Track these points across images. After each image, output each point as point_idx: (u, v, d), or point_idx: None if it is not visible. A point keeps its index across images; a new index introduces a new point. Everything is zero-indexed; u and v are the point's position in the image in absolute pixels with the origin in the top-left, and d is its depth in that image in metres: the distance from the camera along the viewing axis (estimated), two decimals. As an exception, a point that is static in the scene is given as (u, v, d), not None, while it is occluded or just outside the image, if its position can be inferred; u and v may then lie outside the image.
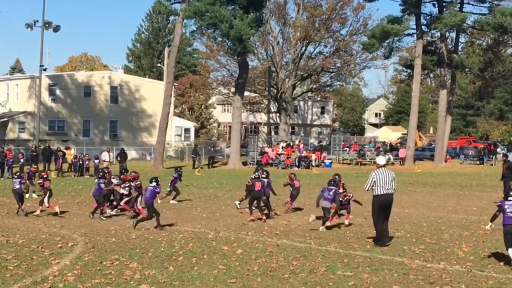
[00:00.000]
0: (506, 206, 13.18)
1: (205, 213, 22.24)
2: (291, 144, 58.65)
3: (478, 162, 59.92)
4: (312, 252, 14.16)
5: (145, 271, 12.13)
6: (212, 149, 55.07)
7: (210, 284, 10.96)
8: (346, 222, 18.81)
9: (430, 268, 12.41)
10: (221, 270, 12.14)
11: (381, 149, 61.39)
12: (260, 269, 12.30)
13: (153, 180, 18.79)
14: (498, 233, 16.74)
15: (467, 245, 15.16)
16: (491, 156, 61.00)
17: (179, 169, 27.71)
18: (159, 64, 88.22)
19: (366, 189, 15.60)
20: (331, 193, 17.89)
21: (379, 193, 15.26)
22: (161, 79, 69.40)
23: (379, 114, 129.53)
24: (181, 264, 12.80)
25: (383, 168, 15.57)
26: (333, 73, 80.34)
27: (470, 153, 66.59)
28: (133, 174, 22.38)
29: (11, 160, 40.76)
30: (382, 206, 15.37)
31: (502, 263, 12.94)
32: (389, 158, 57.27)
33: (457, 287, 10.80)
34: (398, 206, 24.79)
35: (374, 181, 15.30)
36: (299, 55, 74.91)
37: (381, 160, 16.32)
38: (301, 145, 58.58)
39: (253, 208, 20.29)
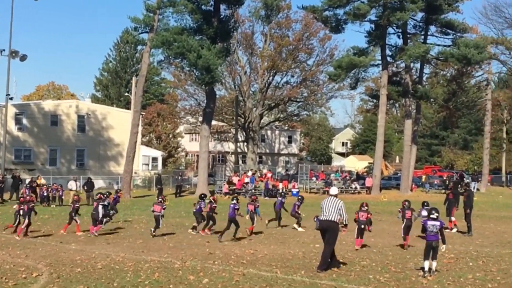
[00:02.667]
0: (428, 225, 15.03)
1: (171, 243, 22.21)
2: (259, 173, 58.78)
3: (443, 191, 60.46)
4: (278, 281, 14.23)
5: (111, 301, 12.08)
6: (179, 178, 54.90)
7: (176, 314, 10.96)
8: None
9: (394, 297, 12.54)
10: (187, 300, 12.16)
11: (348, 177, 61.78)
12: (226, 298, 12.34)
13: (234, 198, 23.60)
14: (461, 262, 17.03)
15: (431, 274, 15.32)
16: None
17: (202, 195, 27.69)
18: (126, 93, 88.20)
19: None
20: None
21: (320, 218, 16.36)
22: (129, 108, 69.35)
23: (346, 143, 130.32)
24: (147, 294, 12.79)
25: (332, 197, 16.54)
26: (300, 103, 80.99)
27: (436, 182, 67.29)
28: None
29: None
30: (322, 231, 16.38)
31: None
32: (355, 187, 57.84)
33: (420, 315, 10.94)
34: (364, 234, 25.02)
35: (321, 208, 16.44)
36: (267, 84, 75.40)
37: (333, 190, 17.23)
38: (269, 175, 58.76)
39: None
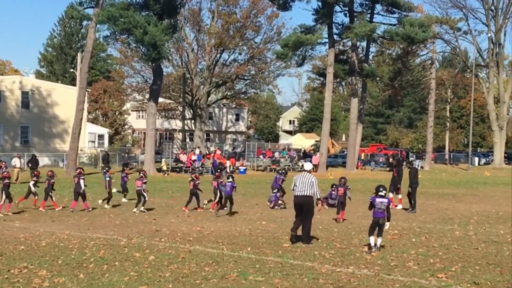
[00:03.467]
0: (376, 202, 15.22)
1: (118, 220, 22.07)
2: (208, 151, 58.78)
3: (388, 169, 61.32)
4: (225, 258, 14.25)
5: (55, 278, 11.95)
6: (125, 155, 54.45)
7: (121, 291, 10.91)
8: None
9: (339, 273, 12.65)
10: (132, 277, 12.08)
11: (294, 156, 62.13)
12: (172, 275, 12.30)
13: (230, 177, 24.23)
14: (405, 238, 17.32)
15: (376, 250, 15.53)
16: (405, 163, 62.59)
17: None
18: (72, 70, 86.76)
19: (291, 189, 17.23)
20: None
21: (295, 194, 16.90)
22: (74, 85, 68.27)
23: (293, 121, 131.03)
24: (92, 272, 12.67)
25: (306, 173, 17.09)
26: (248, 81, 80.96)
27: (381, 160, 68.22)
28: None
29: None
30: (297, 206, 16.85)
31: (409, 265, 13.35)
32: (314, 166, 57.95)
33: (364, 290, 11.07)
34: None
35: (295, 183, 16.95)
36: (214, 62, 75.13)
37: (307, 166, 17.75)
38: (218, 152, 58.79)
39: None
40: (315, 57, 73.75)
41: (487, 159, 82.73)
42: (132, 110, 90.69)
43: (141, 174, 26.07)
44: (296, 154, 65.05)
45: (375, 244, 15.13)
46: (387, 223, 15.47)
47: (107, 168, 28.95)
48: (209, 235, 18.29)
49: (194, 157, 55.56)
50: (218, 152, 59.03)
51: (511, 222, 22.01)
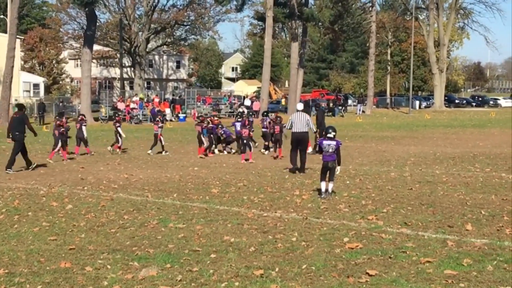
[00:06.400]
0: (323, 145, 14.45)
1: (43, 169, 21.07)
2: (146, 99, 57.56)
3: (329, 114, 61.19)
4: (148, 205, 13.50)
5: (-43, 232, 11.05)
6: (61, 104, 52.91)
7: (27, 243, 10.03)
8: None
9: (266, 217, 12.04)
10: (43, 228, 11.23)
11: (234, 102, 61.45)
12: (87, 224, 11.50)
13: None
14: (339, 180, 16.77)
15: (307, 193, 14.99)
16: (342, 108, 62.57)
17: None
18: (1, 16, 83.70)
19: (287, 128, 20.05)
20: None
21: (293, 131, 19.60)
22: (6, 32, 65.75)
23: (236, 68, 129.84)
24: (1, 223, 11.77)
25: (299, 112, 19.85)
26: (187, 27, 79.41)
27: (322, 105, 67.95)
28: None
29: None
30: (295, 141, 19.51)
31: (339, 208, 12.84)
32: (254, 112, 57.27)
33: (290, 234, 10.45)
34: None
35: (291, 122, 19.60)
36: (152, 7, 73.33)
37: (299, 106, 20.99)
38: (156, 100, 57.65)
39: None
40: (256, 3, 72.60)
41: (428, 103, 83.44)
42: (69, 59, 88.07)
43: (157, 119, 27.91)
44: (237, 100, 64.35)
45: (326, 190, 14.34)
46: (338, 167, 14.56)
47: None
48: (136, 182, 17.50)
49: (132, 105, 54.40)
50: (156, 99, 57.85)
51: (447, 162, 21.77)
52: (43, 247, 9.74)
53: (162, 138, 26.56)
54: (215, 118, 29.28)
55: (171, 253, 9.27)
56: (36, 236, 10.55)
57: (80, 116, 27.74)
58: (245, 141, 23.59)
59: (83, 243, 9.96)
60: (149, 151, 26.15)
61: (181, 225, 11.33)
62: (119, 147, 27.31)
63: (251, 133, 24.51)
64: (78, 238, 10.33)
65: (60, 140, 24.18)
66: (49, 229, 11.10)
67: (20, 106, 22.88)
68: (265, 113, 29.38)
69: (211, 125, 26.20)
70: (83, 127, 26.04)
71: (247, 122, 25.75)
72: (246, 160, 22.79)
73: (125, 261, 8.83)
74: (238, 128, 25.75)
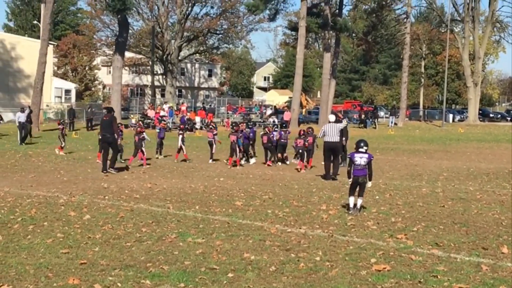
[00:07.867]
0: (355, 158, 13.83)
1: (66, 177, 20.68)
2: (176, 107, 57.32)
3: (361, 126, 60.56)
4: (168, 217, 13.00)
5: (-31, 241, 10.65)
6: (89, 110, 52.76)
7: (38, 256, 9.57)
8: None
9: (289, 234, 11.48)
10: (57, 239, 10.77)
11: (267, 112, 61.05)
12: (103, 237, 11.03)
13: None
14: (368, 195, 16.13)
15: (335, 208, 14.41)
16: (374, 120, 61.82)
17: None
18: (35, 21, 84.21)
19: (320, 136, 21.29)
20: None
21: (326, 141, 20.74)
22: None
23: (268, 77, 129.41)
24: (14, 233, 11.32)
25: (331, 123, 20.96)
26: (220, 35, 79.19)
27: (354, 117, 67.31)
28: None
29: None
30: (328, 150, 20.66)
31: (367, 225, 12.25)
32: (285, 122, 56.59)
33: (314, 253, 9.89)
34: (274, 168, 24.14)
35: (324, 131, 20.78)
36: (185, 15, 73.17)
37: (331, 117, 21.78)
38: (185, 107, 57.37)
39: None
40: (289, 12, 72.36)
41: (462, 116, 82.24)
42: (102, 65, 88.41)
43: (211, 126, 28.50)
44: (267, 110, 63.92)
45: (355, 205, 13.71)
46: (369, 182, 13.95)
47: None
48: (158, 192, 17.03)
49: (162, 113, 54.16)
50: (183, 107, 57.39)
51: (481, 178, 21.03)
52: (53, 260, 9.29)
53: (215, 146, 26.78)
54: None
55: (186, 270, 8.78)
56: (48, 248, 10.10)
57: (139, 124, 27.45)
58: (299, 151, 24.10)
59: (96, 257, 9.49)
60: (210, 161, 26.28)
61: (200, 239, 10.82)
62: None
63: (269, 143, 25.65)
64: (91, 252, 9.86)
65: (139, 146, 24.49)
66: (63, 241, 10.64)
67: (109, 109, 23.60)
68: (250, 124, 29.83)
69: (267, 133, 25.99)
70: (145, 135, 24.99)
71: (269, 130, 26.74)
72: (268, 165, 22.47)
73: (137, 278, 8.35)
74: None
